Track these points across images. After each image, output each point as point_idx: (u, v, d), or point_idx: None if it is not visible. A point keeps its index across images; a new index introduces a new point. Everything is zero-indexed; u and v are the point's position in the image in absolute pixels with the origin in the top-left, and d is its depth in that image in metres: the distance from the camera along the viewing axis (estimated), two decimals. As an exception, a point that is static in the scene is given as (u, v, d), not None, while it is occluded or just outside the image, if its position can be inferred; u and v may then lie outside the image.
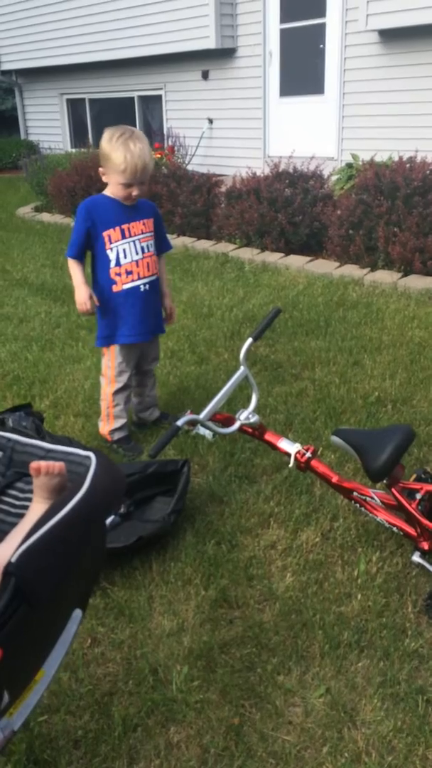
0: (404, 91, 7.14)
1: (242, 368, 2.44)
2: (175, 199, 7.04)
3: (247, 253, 6.36)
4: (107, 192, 2.95)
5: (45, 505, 1.38)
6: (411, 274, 5.39)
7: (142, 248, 3.01)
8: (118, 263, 2.96)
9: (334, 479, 2.37)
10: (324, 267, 5.82)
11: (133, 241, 2.97)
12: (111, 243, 2.93)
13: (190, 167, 8.61)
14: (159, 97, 10.21)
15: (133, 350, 3.12)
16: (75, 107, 12.09)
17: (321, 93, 8.02)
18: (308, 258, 6.09)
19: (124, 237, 2.95)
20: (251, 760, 1.75)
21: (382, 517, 2.33)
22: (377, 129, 7.38)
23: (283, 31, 8.22)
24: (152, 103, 10.49)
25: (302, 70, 8.16)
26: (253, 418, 2.38)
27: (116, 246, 2.94)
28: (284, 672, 1.99)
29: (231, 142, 9.06)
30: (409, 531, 2.28)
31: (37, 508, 1.42)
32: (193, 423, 2.17)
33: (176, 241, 6.90)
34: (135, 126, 10.69)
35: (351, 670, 1.99)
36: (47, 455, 1.53)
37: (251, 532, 2.57)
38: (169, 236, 3.61)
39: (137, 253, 2.99)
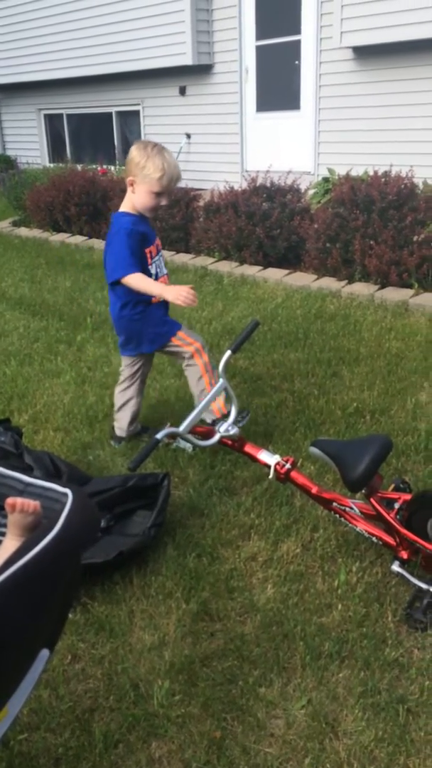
0: (379, 107, 7.26)
1: (221, 380, 2.45)
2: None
3: (226, 267, 6.40)
4: (127, 209, 2.93)
5: (17, 542, 1.36)
6: (387, 286, 5.45)
7: (164, 262, 3.12)
8: (157, 277, 3.01)
9: (314, 490, 2.39)
10: (302, 280, 5.87)
11: (161, 256, 3.06)
12: (152, 258, 2.98)
13: (168, 182, 8.66)
14: (137, 113, 10.27)
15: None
16: (53, 122, 12.11)
17: (297, 108, 8.13)
18: (286, 271, 6.14)
19: (158, 252, 3.02)
20: (233, 773, 1.74)
21: (362, 527, 2.35)
22: (353, 144, 7.49)
23: (259, 48, 8.32)
24: (130, 119, 10.54)
25: (278, 86, 8.27)
26: (233, 430, 2.39)
27: (155, 261, 3.00)
28: (266, 684, 1.99)
29: (209, 157, 9.13)
30: (388, 540, 2.29)
31: (9, 545, 1.40)
32: (172, 436, 2.18)
33: (155, 254, 6.92)
34: (113, 141, 10.77)
35: (332, 681, 1.99)
36: (25, 489, 1.51)
37: (232, 545, 2.57)
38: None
39: (164, 267, 3.09)
